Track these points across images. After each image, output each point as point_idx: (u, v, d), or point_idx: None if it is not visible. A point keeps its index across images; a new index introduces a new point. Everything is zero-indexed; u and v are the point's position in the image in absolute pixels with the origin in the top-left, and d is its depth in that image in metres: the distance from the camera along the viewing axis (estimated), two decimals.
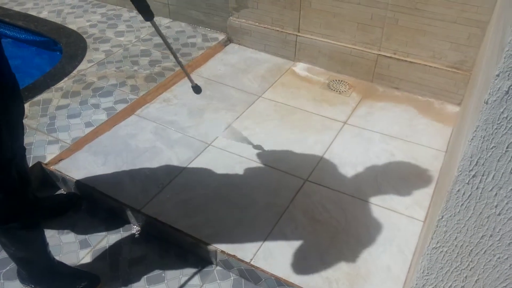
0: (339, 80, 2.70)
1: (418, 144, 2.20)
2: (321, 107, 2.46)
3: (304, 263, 1.64)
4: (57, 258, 1.65)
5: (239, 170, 2.05)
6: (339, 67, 2.74)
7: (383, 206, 1.87)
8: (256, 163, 2.09)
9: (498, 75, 0.73)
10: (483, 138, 0.80)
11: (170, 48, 1.82)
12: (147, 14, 1.65)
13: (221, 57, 2.93)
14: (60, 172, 2.01)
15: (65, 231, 1.86)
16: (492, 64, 0.84)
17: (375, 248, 1.70)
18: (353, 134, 2.27)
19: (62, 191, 2.07)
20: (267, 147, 2.18)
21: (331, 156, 2.13)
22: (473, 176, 0.85)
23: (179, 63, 1.88)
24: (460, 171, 0.85)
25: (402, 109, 2.45)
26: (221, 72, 2.77)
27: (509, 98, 0.74)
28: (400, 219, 1.81)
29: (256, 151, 2.15)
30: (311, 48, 2.77)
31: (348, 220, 1.81)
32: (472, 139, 0.81)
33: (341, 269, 1.62)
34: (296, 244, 1.71)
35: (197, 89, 1.99)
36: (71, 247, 1.80)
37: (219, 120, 2.36)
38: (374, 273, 1.61)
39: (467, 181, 0.86)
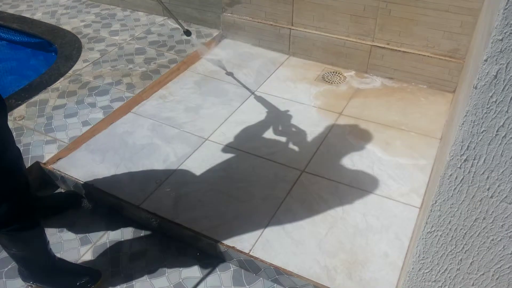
0: (333, 72, 2.71)
1: (413, 132, 2.22)
2: (317, 99, 2.47)
3: (303, 252, 1.66)
4: (58, 255, 1.66)
5: (236, 164, 2.06)
6: (333, 59, 2.75)
7: (379, 194, 1.89)
8: (253, 156, 2.10)
9: (486, 60, 0.74)
10: (473, 122, 0.81)
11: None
12: None
13: (216, 53, 2.93)
14: (59, 171, 2.02)
15: (66, 228, 1.88)
16: (480, 50, 0.85)
17: (372, 235, 1.72)
18: (349, 124, 2.28)
19: (61, 189, 2.08)
20: (264, 140, 2.20)
21: (327, 147, 2.14)
22: (465, 160, 0.86)
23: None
24: (452, 155, 0.86)
25: (396, 99, 2.47)
26: (216, 68, 2.77)
27: (497, 82, 0.75)
28: (397, 207, 1.83)
29: (253, 144, 2.17)
30: (305, 41, 2.78)
31: (345, 209, 1.83)
32: (462, 124, 0.82)
33: (339, 256, 1.64)
34: (294, 234, 1.73)
35: (187, 33, 2.52)
36: (71, 244, 1.81)
37: (216, 115, 2.37)
38: (372, 259, 1.63)
39: (459, 166, 0.87)
